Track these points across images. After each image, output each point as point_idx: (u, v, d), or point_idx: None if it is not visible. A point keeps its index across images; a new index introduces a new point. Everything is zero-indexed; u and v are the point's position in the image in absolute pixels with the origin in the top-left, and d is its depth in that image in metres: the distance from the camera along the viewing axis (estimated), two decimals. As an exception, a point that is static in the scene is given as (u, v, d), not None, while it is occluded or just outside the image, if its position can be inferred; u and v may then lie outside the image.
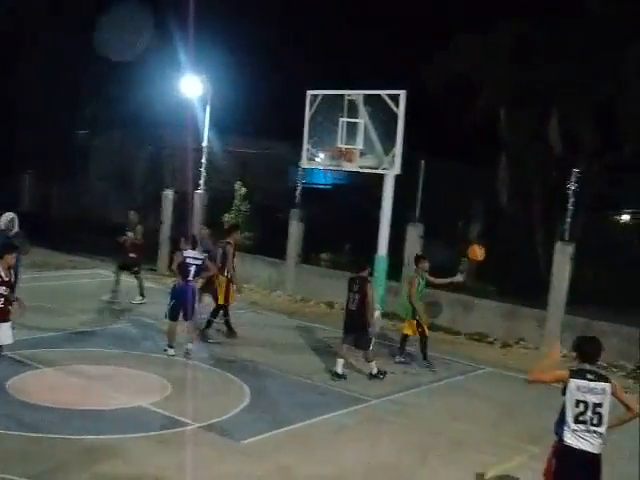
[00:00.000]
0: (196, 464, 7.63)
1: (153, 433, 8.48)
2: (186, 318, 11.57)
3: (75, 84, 24.48)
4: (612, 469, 6.71)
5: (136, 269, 15.27)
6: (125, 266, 15.19)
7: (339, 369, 11.11)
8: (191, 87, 19.03)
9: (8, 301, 9.04)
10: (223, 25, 22.86)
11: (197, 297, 11.96)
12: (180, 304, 11.48)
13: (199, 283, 12.27)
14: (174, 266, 11.92)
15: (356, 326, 11.09)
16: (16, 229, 12.52)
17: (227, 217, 19.32)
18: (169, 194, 20.16)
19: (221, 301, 13.05)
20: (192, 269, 11.58)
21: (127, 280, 15.39)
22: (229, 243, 13.17)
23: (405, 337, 12.44)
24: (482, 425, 9.67)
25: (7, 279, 9.00)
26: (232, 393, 10.13)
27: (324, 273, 17.14)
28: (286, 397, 10.22)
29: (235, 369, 11.16)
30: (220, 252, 13.13)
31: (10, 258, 9.04)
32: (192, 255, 11.67)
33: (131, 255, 15.13)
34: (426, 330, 12.30)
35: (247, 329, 13.77)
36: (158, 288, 16.30)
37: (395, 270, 14.56)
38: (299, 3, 24.35)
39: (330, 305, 16.48)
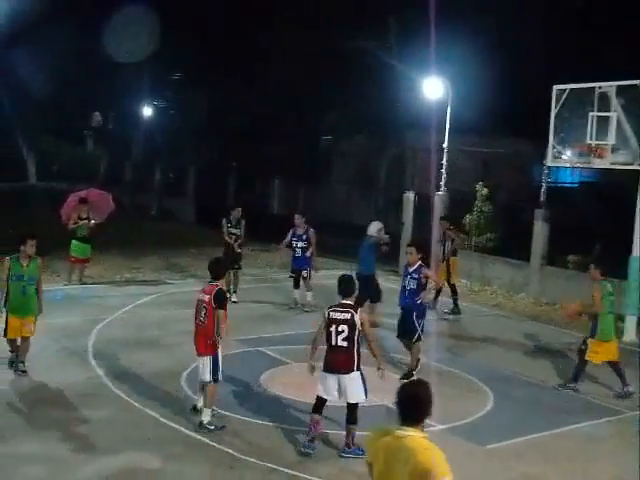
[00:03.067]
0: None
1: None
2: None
3: (319, 91, 25.50)
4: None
5: (238, 265, 15.07)
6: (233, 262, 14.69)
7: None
8: (433, 89, 19.08)
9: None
10: (463, 24, 22.63)
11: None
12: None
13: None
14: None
15: None
16: (383, 237, 13.48)
17: (468, 218, 19.07)
18: (410, 196, 20.31)
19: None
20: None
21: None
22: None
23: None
24: None
25: None
26: (475, 397, 9.96)
27: (571, 275, 16.31)
28: (530, 404, 9.86)
29: (477, 372, 10.97)
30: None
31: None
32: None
33: (238, 251, 14.98)
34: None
35: (489, 332, 13.51)
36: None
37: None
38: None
39: (577, 309, 15.66)
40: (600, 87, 13.21)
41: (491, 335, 13.37)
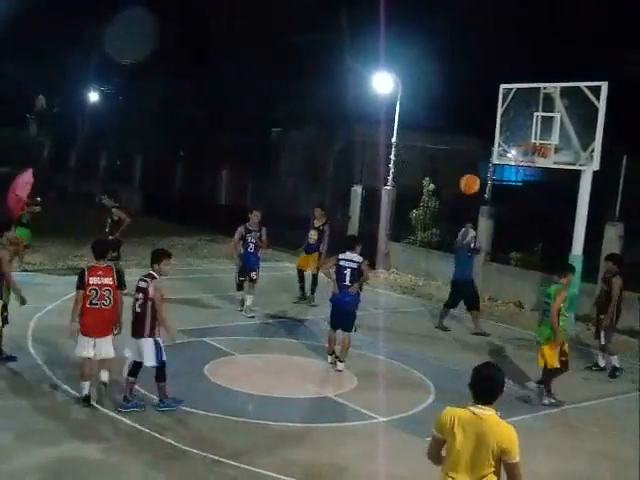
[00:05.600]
0: (381, 457, 7.67)
1: (339, 424, 8.64)
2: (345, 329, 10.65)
3: (269, 83, 25.41)
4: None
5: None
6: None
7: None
8: (383, 84, 19.21)
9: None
10: (414, 21, 22.78)
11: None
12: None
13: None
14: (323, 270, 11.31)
15: None
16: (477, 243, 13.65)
17: (415, 213, 19.26)
18: (358, 190, 20.43)
19: None
20: (347, 273, 10.45)
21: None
22: None
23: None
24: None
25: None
26: (417, 389, 10.09)
27: (514, 272, 16.62)
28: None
29: (418, 365, 11.09)
30: None
31: (168, 263, 8.52)
32: (348, 258, 10.54)
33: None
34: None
35: (432, 327, 13.71)
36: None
37: (591, 271, 13.84)
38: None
39: (519, 305, 15.99)
40: (545, 88, 13.47)
41: (433, 328, 13.59)
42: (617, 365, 11.40)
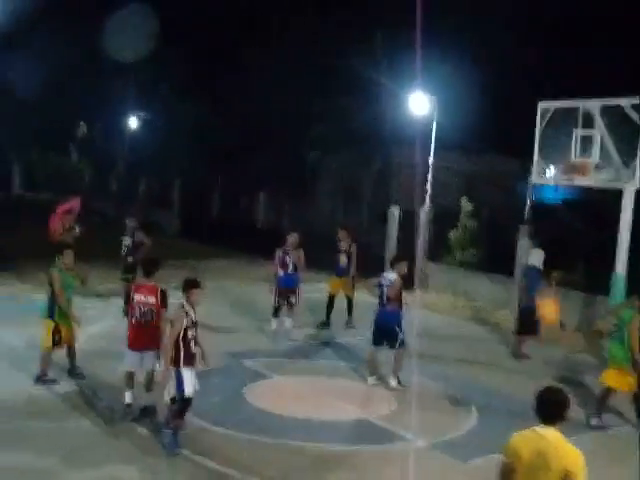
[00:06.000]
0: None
1: (379, 447, 8.54)
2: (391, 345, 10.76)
3: (305, 105, 25.57)
4: None
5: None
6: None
7: None
8: (419, 104, 19.19)
9: (195, 343, 8.13)
10: (449, 41, 22.78)
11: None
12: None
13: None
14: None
15: None
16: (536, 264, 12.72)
17: (453, 234, 19.14)
18: (395, 211, 20.37)
19: None
20: (384, 290, 10.74)
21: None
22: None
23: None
24: None
25: (196, 320, 8.17)
26: (458, 411, 9.94)
27: (556, 292, 16.33)
28: (514, 419, 9.82)
29: (459, 386, 10.94)
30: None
31: (196, 293, 8.13)
32: (386, 276, 10.88)
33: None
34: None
35: (473, 347, 13.52)
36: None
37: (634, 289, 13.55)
38: (525, 16, 23.66)
39: (561, 326, 15.70)
40: (584, 105, 13.34)
41: (473, 349, 13.41)
42: None
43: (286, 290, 13.23)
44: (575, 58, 22.40)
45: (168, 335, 8.04)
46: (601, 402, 9.70)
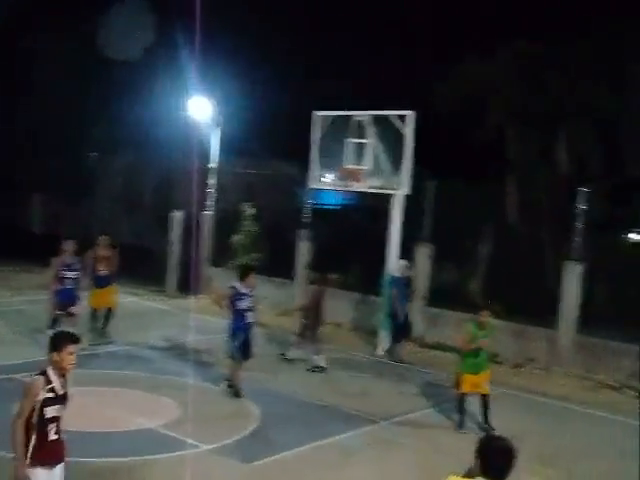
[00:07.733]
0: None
1: (161, 456, 8.43)
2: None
3: (82, 105, 24.66)
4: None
5: None
6: None
7: None
8: (199, 108, 19.16)
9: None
10: (231, 45, 23.00)
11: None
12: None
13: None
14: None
15: None
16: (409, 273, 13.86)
17: (235, 238, 19.31)
18: (177, 215, 20.20)
19: None
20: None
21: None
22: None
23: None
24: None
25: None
26: (242, 415, 10.06)
27: (332, 293, 17.00)
28: (295, 419, 10.14)
29: (243, 390, 11.08)
30: None
31: None
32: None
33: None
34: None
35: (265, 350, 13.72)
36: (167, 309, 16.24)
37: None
38: (308, 26, 24.49)
39: (338, 325, 16.39)
40: (357, 116, 14.04)
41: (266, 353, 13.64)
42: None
43: (66, 303, 12.48)
44: (349, 71, 23.53)
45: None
46: (460, 407, 10.22)
